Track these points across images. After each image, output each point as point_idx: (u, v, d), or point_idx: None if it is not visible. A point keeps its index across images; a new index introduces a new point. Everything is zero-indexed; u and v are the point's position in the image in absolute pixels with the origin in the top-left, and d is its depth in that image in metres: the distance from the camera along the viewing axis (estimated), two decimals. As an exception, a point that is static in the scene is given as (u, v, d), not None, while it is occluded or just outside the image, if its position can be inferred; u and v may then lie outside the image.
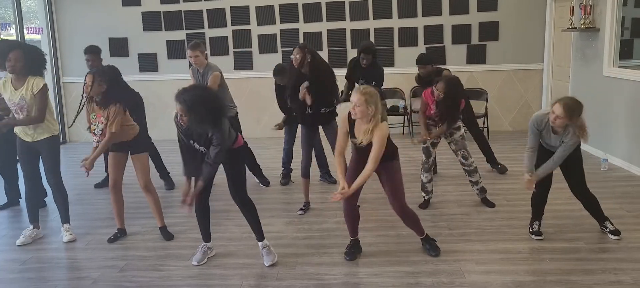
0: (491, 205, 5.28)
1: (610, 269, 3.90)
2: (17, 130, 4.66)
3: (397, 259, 4.20)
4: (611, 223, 4.48)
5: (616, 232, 4.43)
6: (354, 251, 4.27)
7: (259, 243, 4.24)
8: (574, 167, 4.35)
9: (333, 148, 5.19)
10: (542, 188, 4.46)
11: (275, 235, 4.75)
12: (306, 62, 4.95)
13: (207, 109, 3.64)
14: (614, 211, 5.06)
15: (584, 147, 7.36)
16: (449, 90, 4.97)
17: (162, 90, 8.52)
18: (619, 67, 6.69)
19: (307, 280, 3.91)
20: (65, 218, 4.89)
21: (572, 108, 4.02)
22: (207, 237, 4.29)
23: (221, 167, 4.02)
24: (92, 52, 6.15)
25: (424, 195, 5.35)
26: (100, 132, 4.45)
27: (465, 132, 5.32)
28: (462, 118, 5.36)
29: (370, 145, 3.83)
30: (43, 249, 4.68)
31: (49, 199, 5.84)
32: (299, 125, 5.34)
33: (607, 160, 6.55)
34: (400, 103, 8.74)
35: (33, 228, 4.85)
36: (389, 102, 8.61)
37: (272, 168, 6.63)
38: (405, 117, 8.76)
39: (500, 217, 4.98)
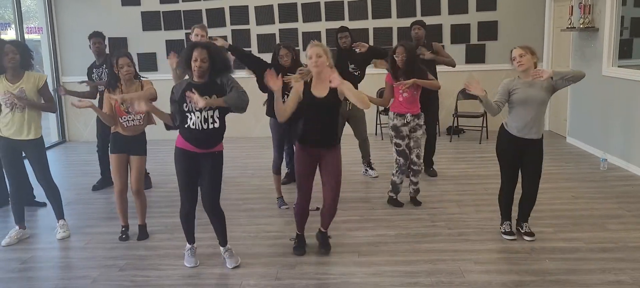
0: (418, 203, 5.36)
1: (609, 269, 3.91)
2: (6, 130, 4.62)
3: (396, 259, 4.20)
4: (528, 226, 4.52)
5: (531, 234, 4.47)
6: (302, 245, 4.37)
7: (222, 248, 4.23)
8: (533, 164, 4.37)
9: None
10: (508, 187, 4.49)
11: (275, 235, 4.76)
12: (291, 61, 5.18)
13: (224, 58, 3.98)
14: (613, 210, 5.08)
15: (583, 146, 7.41)
16: (409, 49, 5.13)
17: (161, 90, 8.51)
18: (618, 66, 6.69)
19: (307, 280, 3.91)
20: (60, 214, 4.91)
21: (528, 45, 4.38)
22: (192, 239, 4.23)
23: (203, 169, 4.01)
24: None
25: (392, 194, 5.37)
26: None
27: (424, 132, 5.42)
28: (425, 116, 5.43)
29: (329, 98, 3.94)
30: (43, 249, 4.68)
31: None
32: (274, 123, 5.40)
33: (606, 159, 6.56)
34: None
35: (19, 229, 4.83)
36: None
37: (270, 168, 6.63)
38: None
39: (499, 217, 4.97)
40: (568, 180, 6.08)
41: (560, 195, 5.53)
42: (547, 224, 4.69)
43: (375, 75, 6.91)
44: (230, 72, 3.99)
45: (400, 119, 5.22)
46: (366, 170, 6.51)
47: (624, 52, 6.77)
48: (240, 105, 3.82)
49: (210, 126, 3.85)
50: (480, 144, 8.03)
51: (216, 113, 3.85)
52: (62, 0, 8.99)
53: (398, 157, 5.27)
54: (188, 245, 4.24)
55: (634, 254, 4.15)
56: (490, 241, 4.47)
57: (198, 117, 3.81)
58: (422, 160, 5.34)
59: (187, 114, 3.84)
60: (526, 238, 4.48)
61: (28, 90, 4.56)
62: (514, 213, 4.62)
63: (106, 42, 6.41)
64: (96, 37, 6.21)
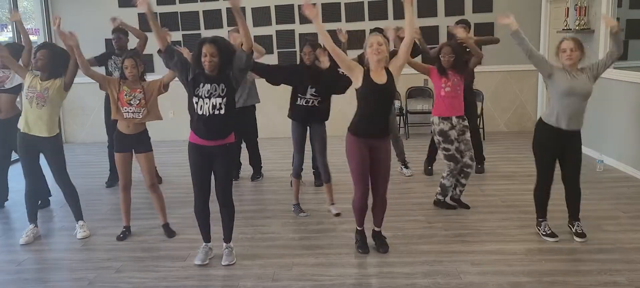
0: (466, 206, 5.27)
1: (605, 270, 3.92)
2: (23, 123, 4.69)
3: (393, 260, 4.20)
4: (580, 226, 4.49)
5: (582, 235, 4.45)
6: (363, 242, 4.38)
7: (224, 244, 4.30)
8: (575, 155, 4.39)
9: (316, 152, 5.23)
10: (546, 183, 4.47)
11: (272, 237, 4.76)
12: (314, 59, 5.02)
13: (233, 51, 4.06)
14: (609, 212, 5.09)
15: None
16: (456, 49, 5.06)
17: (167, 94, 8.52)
18: (614, 68, 6.69)
19: (304, 281, 3.91)
20: (78, 216, 4.95)
21: (581, 40, 4.29)
22: (207, 238, 4.31)
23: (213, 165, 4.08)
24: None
25: (440, 197, 5.28)
26: (138, 102, 4.62)
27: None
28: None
29: (388, 84, 4.03)
30: (40, 250, 4.67)
31: (52, 199, 5.84)
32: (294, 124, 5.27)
33: (602, 161, 6.57)
34: (396, 103, 8.75)
35: (34, 227, 4.87)
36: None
37: (268, 169, 6.63)
38: (401, 118, 8.77)
39: (496, 218, 4.99)
40: (564, 181, 6.09)
41: (556, 197, 5.50)
42: (543, 225, 4.70)
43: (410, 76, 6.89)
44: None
45: (446, 122, 5.06)
46: (402, 168, 6.55)
47: (620, 53, 6.78)
48: (243, 56, 4.00)
49: (217, 112, 3.94)
50: (476, 145, 8.03)
51: (224, 100, 3.94)
52: (59, 2, 8.98)
53: (449, 162, 5.10)
54: (203, 244, 4.31)
55: (630, 255, 4.16)
56: (487, 242, 4.48)
57: (206, 104, 3.93)
58: (474, 163, 5.21)
59: (195, 98, 3.95)
60: (576, 239, 4.44)
61: (52, 90, 4.65)
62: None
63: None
64: (118, 32, 6.53)
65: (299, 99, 5.05)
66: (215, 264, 4.22)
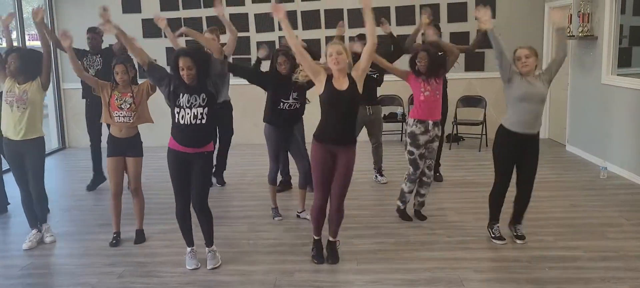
0: (423, 218, 5.19)
1: (609, 278, 3.90)
2: (5, 129, 4.69)
3: (396, 266, 4.19)
4: (520, 229, 4.61)
5: (522, 237, 4.56)
6: (320, 251, 4.33)
7: (207, 248, 4.30)
8: (532, 160, 4.46)
9: (296, 158, 5.30)
10: (503, 188, 4.54)
11: (273, 243, 4.75)
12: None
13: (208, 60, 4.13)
14: (613, 219, 5.07)
15: (583, 154, 7.41)
16: (432, 55, 4.93)
17: (159, 97, 8.50)
18: (618, 75, 6.70)
19: (306, 288, 3.91)
20: (42, 219, 4.92)
21: (533, 47, 4.39)
22: (190, 242, 4.33)
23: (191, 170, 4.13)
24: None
25: (400, 204, 5.20)
26: (129, 106, 4.64)
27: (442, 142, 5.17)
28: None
29: (350, 91, 3.99)
30: (41, 255, 4.67)
31: (51, 205, 5.83)
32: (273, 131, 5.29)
33: (606, 168, 6.56)
34: (399, 110, 8.75)
35: (36, 232, 4.86)
36: (387, 109, 8.62)
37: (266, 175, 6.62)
38: (403, 124, 8.77)
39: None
40: (567, 188, 6.08)
41: (560, 204, 5.52)
42: (546, 232, 4.68)
43: (397, 81, 6.92)
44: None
45: (421, 126, 4.97)
46: (376, 176, 6.51)
47: (623, 60, 6.78)
48: (217, 63, 4.20)
49: (198, 121, 4.00)
50: (479, 151, 8.04)
51: (205, 110, 4.01)
52: (63, 7, 9.01)
53: (409, 166, 5.07)
54: (188, 249, 4.32)
55: (634, 263, 4.14)
56: (489, 249, 4.47)
57: (188, 113, 3.99)
58: (431, 173, 5.12)
59: (176, 108, 4.03)
60: (518, 241, 4.53)
61: (31, 92, 4.64)
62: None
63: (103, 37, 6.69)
64: (91, 32, 6.62)
65: (281, 103, 5.10)
66: (215, 270, 4.20)
